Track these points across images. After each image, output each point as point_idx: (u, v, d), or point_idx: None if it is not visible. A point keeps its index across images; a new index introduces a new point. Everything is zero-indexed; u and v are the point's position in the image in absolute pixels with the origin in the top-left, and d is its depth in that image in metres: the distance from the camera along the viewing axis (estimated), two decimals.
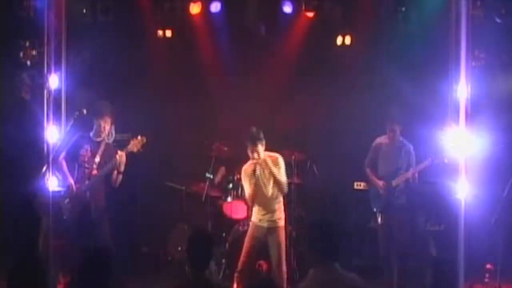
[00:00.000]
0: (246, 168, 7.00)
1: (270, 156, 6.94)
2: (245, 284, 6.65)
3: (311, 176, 8.62)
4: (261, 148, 6.85)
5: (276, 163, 6.91)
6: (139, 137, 7.22)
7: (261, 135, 6.85)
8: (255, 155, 6.83)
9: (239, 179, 8.26)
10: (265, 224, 6.98)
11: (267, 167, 6.87)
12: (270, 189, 6.94)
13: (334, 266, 4.20)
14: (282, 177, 6.95)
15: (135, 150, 7.17)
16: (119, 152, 7.10)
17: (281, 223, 7.03)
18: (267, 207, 6.98)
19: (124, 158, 7.09)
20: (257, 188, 6.91)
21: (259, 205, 6.99)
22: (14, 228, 4.23)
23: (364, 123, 8.75)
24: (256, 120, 8.92)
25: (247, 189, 6.99)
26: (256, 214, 7.04)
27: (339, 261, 4.24)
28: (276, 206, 7.02)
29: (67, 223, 7.23)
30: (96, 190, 7.19)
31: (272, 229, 6.97)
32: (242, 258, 6.93)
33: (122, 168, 7.11)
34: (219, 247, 8.23)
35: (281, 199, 7.08)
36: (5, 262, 4.57)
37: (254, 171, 6.89)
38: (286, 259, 7.72)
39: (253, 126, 6.95)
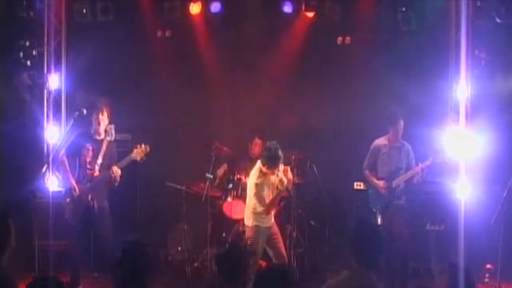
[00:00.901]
0: (263, 180, 6.92)
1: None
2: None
3: (311, 176, 8.61)
4: (280, 164, 6.90)
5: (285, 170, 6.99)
6: (142, 146, 7.22)
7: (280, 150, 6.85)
8: (275, 172, 6.89)
9: (239, 179, 8.26)
10: (269, 223, 7.06)
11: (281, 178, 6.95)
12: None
13: (370, 274, 4.11)
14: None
15: (138, 158, 7.20)
16: (114, 168, 7.10)
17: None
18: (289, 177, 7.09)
19: (119, 173, 7.13)
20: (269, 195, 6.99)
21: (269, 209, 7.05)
22: None
23: (364, 123, 8.74)
24: (256, 120, 8.98)
25: (268, 200, 6.95)
26: (261, 218, 6.99)
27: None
28: None
29: (69, 223, 7.23)
30: (98, 190, 7.19)
31: (272, 225, 7.10)
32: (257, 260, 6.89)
33: (118, 180, 7.16)
34: (219, 247, 8.23)
35: None
36: None
37: (276, 182, 6.96)
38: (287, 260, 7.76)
39: (271, 142, 6.91)
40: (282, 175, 6.89)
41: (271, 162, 6.82)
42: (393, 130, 7.53)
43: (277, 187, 6.99)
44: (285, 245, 8.00)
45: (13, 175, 8.40)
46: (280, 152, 6.82)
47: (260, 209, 6.94)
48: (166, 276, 8.32)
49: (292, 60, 9.26)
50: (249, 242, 6.98)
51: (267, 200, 6.94)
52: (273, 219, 7.12)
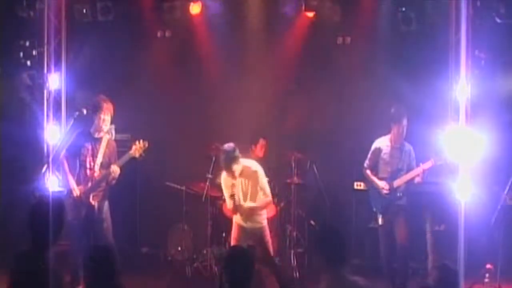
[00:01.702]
0: (226, 179, 6.85)
1: (247, 169, 6.74)
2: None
3: (311, 176, 8.61)
4: (236, 167, 6.65)
5: (253, 175, 6.75)
6: (141, 142, 7.19)
7: (237, 153, 6.66)
8: (230, 176, 6.69)
9: None
10: (249, 225, 6.86)
11: (245, 184, 6.75)
12: (248, 201, 6.79)
13: (343, 274, 4.14)
14: (265, 188, 6.81)
15: (137, 155, 7.17)
16: (113, 167, 7.09)
17: (265, 222, 6.94)
18: (251, 212, 6.83)
19: (118, 172, 7.10)
20: (238, 201, 6.79)
21: (243, 212, 6.84)
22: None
23: (364, 123, 8.74)
24: (256, 120, 8.98)
25: (228, 202, 6.90)
26: (242, 217, 6.87)
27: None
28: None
29: (70, 223, 7.20)
30: (99, 190, 7.17)
31: (257, 229, 6.87)
32: None
33: (116, 178, 7.15)
34: (219, 247, 8.24)
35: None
36: (5, 261, 4.57)
37: (232, 186, 6.75)
38: (287, 260, 7.75)
39: (228, 144, 6.74)
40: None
41: (224, 164, 6.68)
42: (396, 129, 7.47)
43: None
44: (285, 245, 8.03)
45: (13, 175, 8.40)
46: (234, 151, 6.63)
47: (228, 207, 6.98)
48: (166, 276, 8.33)
49: (292, 60, 9.27)
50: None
51: (230, 203, 6.84)
52: (263, 223, 6.90)
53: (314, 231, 8.35)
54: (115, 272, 4.13)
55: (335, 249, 4.24)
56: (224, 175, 6.88)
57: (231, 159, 6.64)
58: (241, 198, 6.80)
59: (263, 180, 6.84)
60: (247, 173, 6.75)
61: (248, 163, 6.83)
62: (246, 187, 6.77)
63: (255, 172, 6.78)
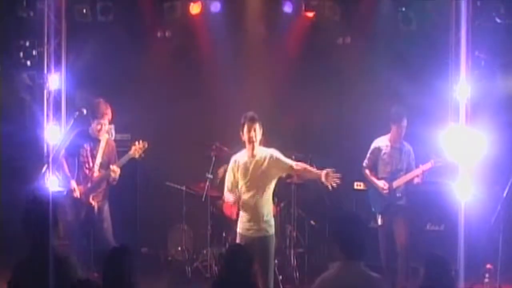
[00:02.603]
0: (237, 158, 6.23)
1: (261, 150, 6.23)
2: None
3: None
4: (258, 128, 6.20)
5: (269, 154, 6.20)
6: (140, 142, 7.18)
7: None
8: (252, 134, 6.11)
9: None
10: (253, 234, 6.04)
11: (259, 165, 6.11)
12: (256, 191, 6.07)
13: (360, 264, 4.15)
14: (287, 160, 6.31)
15: (136, 155, 7.17)
16: (113, 167, 7.08)
17: (272, 230, 6.08)
18: (255, 212, 6.04)
19: (118, 173, 7.09)
20: (245, 187, 6.08)
21: (245, 210, 6.09)
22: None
23: (364, 123, 8.74)
24: None
25: (229, 182, 6.19)
26: (243, 222, 6.12)
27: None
28: (265, 211, 6.06)
29: (71, 224, 7.20)
30: (99, 191, 7.17)
31: (261, 238, 6.02)
32: None
33: (116, 179, 7.14)
34: (219, 247, 8.24)
35: (270, 202, 6.21)
36: (5, 262, 4.58)
37: (246, 164, 6.11)
38: (287, 260, 7.72)
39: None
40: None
41: (248, 122, 6.20)
42: (395, 129, 7.47)
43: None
44: (285, 245, 8.03)
45: (13, 175, 8.40)
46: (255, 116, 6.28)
47: (226, 191, 6.32)
48: (166, 276, 8.33)
49: (292, 60, 9.27)
50: None
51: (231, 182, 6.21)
52: (269, 232, 6.08)
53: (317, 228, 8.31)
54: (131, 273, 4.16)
55: (354, 237, 4.17)
56: (233, 160, 6.27)
57: (255, 118, 6.20)
58: (249, 182, 6.07)
59: (282, 156, 6.25)
60: (262, 154, 6.17)
61: (261, 147, 6.31)
62: (259, 168, 6.10)
63: (269, 150, 6.26)
